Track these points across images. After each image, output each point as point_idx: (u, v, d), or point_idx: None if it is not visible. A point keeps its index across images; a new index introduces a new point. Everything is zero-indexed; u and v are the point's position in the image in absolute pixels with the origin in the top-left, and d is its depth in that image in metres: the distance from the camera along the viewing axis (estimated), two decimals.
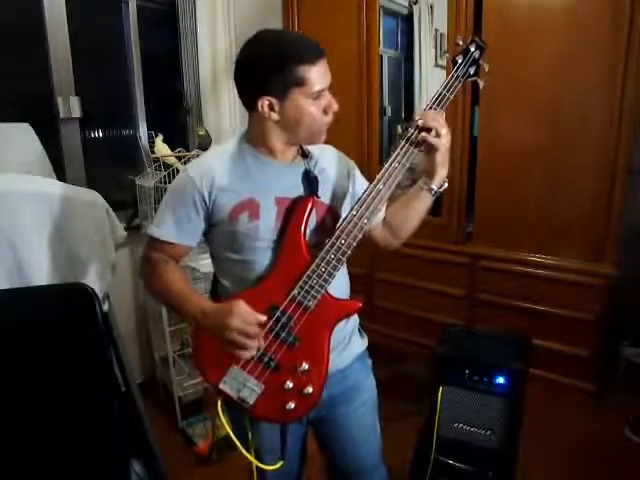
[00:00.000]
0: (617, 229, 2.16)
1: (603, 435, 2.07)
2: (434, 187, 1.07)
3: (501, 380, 1.55)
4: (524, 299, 2.39)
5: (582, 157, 2.17)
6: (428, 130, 1.00)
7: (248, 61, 0.99)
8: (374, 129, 2.75)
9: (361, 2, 2.61)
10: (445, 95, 1.02)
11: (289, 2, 2.87)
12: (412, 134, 1.01)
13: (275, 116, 0.99)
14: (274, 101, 0.98)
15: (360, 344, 1.21)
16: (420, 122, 1.00)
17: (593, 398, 2.28)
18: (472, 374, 1.57)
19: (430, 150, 1.02)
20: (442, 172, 1.06)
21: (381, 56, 2.96)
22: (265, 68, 0.96)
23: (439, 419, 1.59)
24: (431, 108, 1.02)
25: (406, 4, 3.30)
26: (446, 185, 1.08)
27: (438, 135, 1.00)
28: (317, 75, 0.96)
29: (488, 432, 1.56)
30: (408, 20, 3.33)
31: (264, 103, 0.98)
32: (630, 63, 1.98)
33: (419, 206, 1.12)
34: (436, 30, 3.21)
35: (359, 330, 1.22)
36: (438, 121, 1.00)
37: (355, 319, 1.20)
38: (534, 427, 1.73)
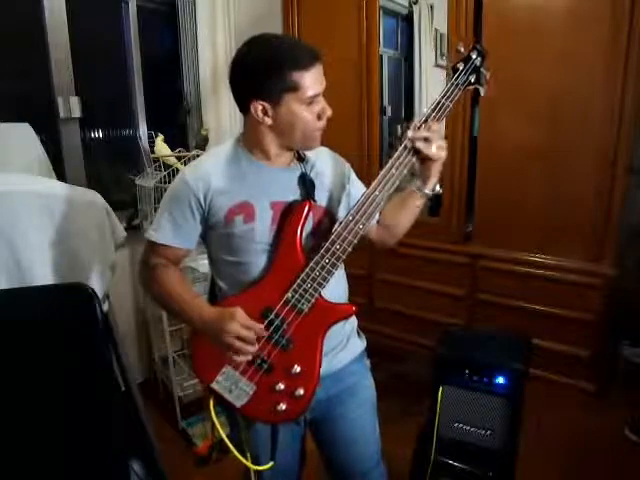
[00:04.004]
0: (617, 229, 2.16)
1: (603, 435, 2.07)
2: (427, 192, 1.07)
3: (501, 380, 1.55)
4: (524, 299, 2.39)
5: (582, 157, 2.17)
6: (425, 141, 0.99)
7: (242, 65, 0.99)
8: (374, 129, 2.75)
9: (361, 2, 2.61)
10: (444, 104, 1.00)
11: (289, 2, 2.86)
12: (408, 145, 1.00)
13: (268, 120, 0.99)
14: (267, 106, 0.98)
15: (358, 345, 1.21)
16: (417, 134, 0.98)
17: (593, 398, 2.28)
18: (472, 374, 1.57)
19: (425, 160, 1.02)
20: (435, 178, 1.06)
21: (381, 56, 2.96)
22: (258, 73, 0.96)
23: (439, 419, 1.59)
24: (427, 119, 1.00)
25: (406, 4, 3.30)
26: (438, 188, 1.08)
27: (434, 146, 0.99)
28: (311, 81, 0.96)
29: (488, 432, 1.56)
30: (408, 20, 3.33)
31: (257, 107, 0.98)
32: (630, 63, 1.97)
33: (413, 208, 1.13)
34: (436, 30, 3.21)
35: (357, 331, 1.22)
36: (434, 133, 0.99)
37: (353, 320, 1.20)
38: (534, 427, 1.73)
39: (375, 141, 2.75)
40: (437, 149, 1.00)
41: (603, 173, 2.12)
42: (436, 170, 1.05)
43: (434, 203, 2.80)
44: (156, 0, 2.58)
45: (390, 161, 1.00)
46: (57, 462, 1.18)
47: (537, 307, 2.36)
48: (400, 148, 1.01)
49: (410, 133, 0.99)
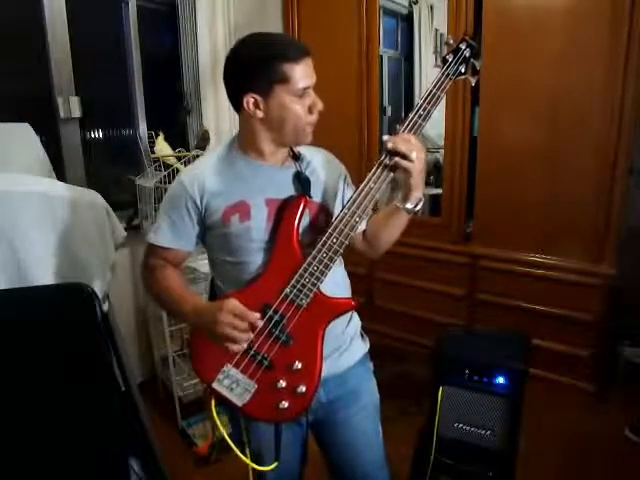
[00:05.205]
0: (617, 229, 2.16)
1: (603, 435, 2.07)
2: (409, 206, 1.04)
3: (501, 380, 1.55)
4: (524, 299, 2.39)
5: (582, 157, 2.17)
6: (399, 153, 0.98)
7: (234, 61, 1.01)
8: (374, 129, 2.75)
9: (361, 2, 2.61)
10: (436, 94, 1.01)
11: (289, 2, 2.87)
12: (384, 157, 1.00)
13: (260, 114, 1.00)
14: (259, 98, 0.99)
15: (361, 347, 1.20)
16: (389, 145, 0.98)
17: (593, 398, 2.28)
18: (472, 374, 1.57)
19: (402, 172, 1.00)
20: (416, 193, 1.03)
21: (381, 56, 2.96)
22: (250, 66, 0.98)
23: (439, 419, 1.59)
24: (417, 112, 1.00)
25: (406, 4, 3.31)
26: (422, 204, 1.05)
27: (407, 159, 0.97)
28: (301, 73, 0.97)
29: (488, 432, 1.56)
30: (408, 20, 3.34)
31: (249, 100, 0.99)
32: (630, 63, 1.98)
33: (396, 223, 1.11)
34: (436, 30, 3.22)
35: (361, 333, 1.22)
36: (407, 145, 0.97)
37: (356, 322, 1.20)
38: (534, 427, 1.73)
39: (375, 141, 2.75)
40: (410, 161, 0.97)
41: (603, 173, 2.12)
42: (416, 184, 1.01)
43: (434, 203, 2.81)
44: (156, 0, 2.58)
45: (384, 152, 1.01)
46: (57, 462, 1.18)
47: (537, 307, 2.36)
48: (379, 160, 1.00)
49: (390, 144, 0.98)
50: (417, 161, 0.98)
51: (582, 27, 2.06)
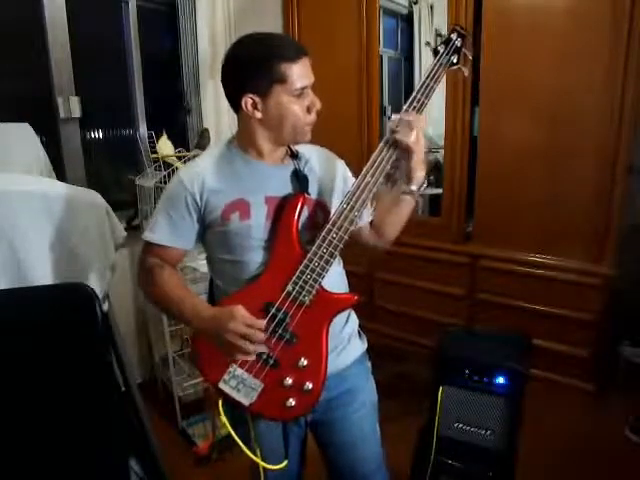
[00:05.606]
0: (617, 229, 2.16)
1: (603, 435, 2.07)
2: (414, 189, 1.06)
3: (501, 380, 1.54)
4: (524, 299, 2.39)
5: (582, 157, 2.17)
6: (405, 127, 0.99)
7: (232, 62, 1.02)
8: (374, 129, 2.75)
9: (361, 2, 2.61)
10: (429, 85, 1.02)
11: (289, 2, 2.87)
12: (389, 135, 1.01)
13: (259, 114, 1.01)
14: (257, 99, 0.99)
15: (359, 346, 1.20)
16: (391, 124, 1.00)
17: (593, 398, 2.28)
18: (472, 374, 1.57)
19: (404, 151, 1.01)
20: (419, 174, 1.05)
21: (381, 56, 2.96)
22: (248, 66, 0.98)
23: (439, 419, 1.59)
24: (414, 100, 1.02)
25: (406, 4, 3.31)
26: (425, 185, 1.07)
27: (412, 134, 0.99)
28: (298, 73, 0.98)
29: (488, 432, 1.56)
30: (408, 20, 3.34)
31: (247, 101, 1.00)
32: (630, 63, 1.98)
33: (402, 209, 1.12)
34: (436, 30, 3.22)
35: (359, 332, 1.22)
36: (409, 123, 0.99)
37: (354, 321, 1.20)
38: (534, 427, 1.73)
39: (375, 141, 2.74)
40: (415, 137, 0.99)
41: (603, 173, 2.12)
42: (417, 163, 1.03)
43: (434, 203, 2.81)
44: (156, 0, 2.58)
45: (380, 145, 1.02)
46: (57, 462, 1.18)
47: (537, 307, 2.36)
48: (382, 141, 1.02)
49: (393, 116, 1.01)
50: (415, 139, 1.00)
51: (582, 27, 2.06)
